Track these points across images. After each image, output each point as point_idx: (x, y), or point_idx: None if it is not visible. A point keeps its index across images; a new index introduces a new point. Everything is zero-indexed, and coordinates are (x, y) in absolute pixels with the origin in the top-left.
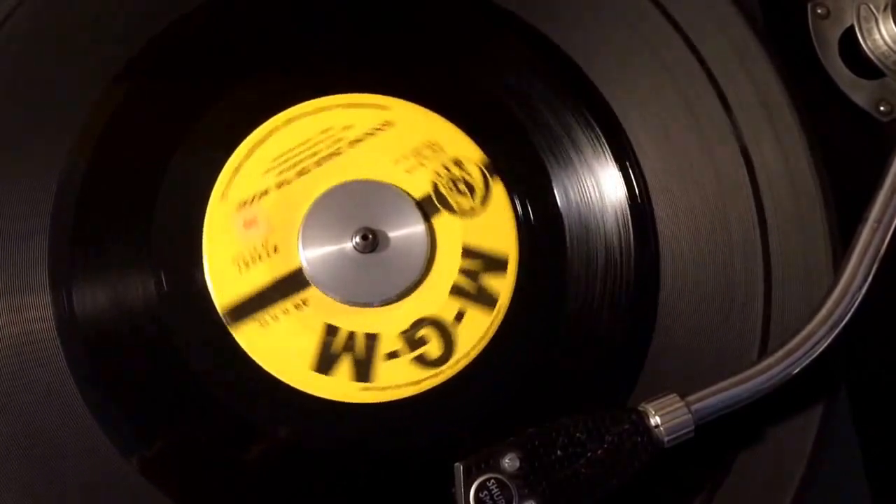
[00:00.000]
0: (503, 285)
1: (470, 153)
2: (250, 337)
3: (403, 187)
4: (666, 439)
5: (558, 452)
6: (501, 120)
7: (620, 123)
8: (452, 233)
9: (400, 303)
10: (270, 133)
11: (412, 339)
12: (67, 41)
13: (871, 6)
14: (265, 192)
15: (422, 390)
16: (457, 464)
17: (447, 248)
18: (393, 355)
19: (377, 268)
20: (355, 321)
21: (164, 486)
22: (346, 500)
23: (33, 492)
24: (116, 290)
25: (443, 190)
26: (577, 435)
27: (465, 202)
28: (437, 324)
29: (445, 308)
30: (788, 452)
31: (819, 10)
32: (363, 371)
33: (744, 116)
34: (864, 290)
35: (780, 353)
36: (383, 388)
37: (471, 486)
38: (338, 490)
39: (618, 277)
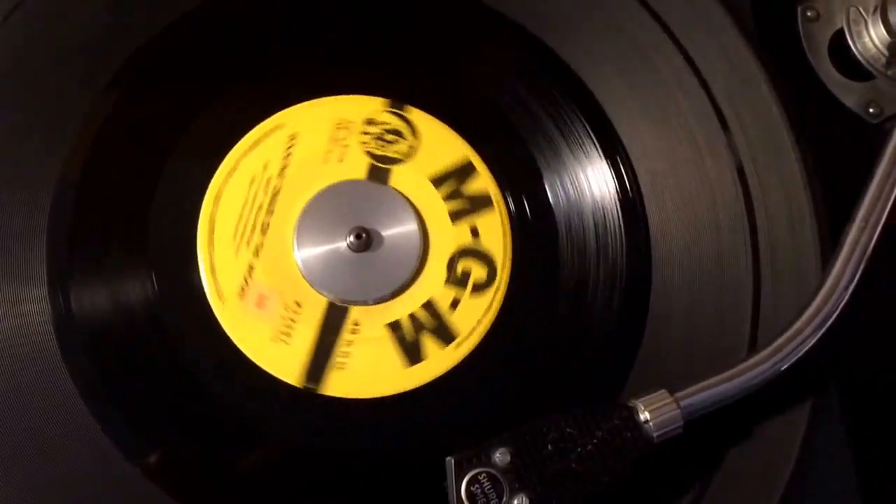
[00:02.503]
0: (485, 183)
1: (372, 105)
2: (340, 385)
3: (347, 176)
4: (655, 435)
5: (549, 448)
6: (492, 118)
7: (611, 121)
8: (414, 177)
9: (394, 300)
10: (212, 219)
11: (457, 278)
12: (62, 46)
13: (861, 9)
14: (251, 268)
15: (496, 312)
16: (448, 458)
17: (419, 191)
18: (455, 303)
19: (371, 266)
20: (406, 305)
21: (163, 484)
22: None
23: (32, 491)
24: (114, 289)
25: (377, 152)
26: (568, 430)
27: (401, 147)
28: (465, 252)
29: (459, 235)
30: (777, 450)
31: (809, 13)
32: (444, 334)
33: (733, 116)
34: (851, 289)
35: (768, 350)
36: (469, 334)
37: (462, 479)
38: (338, 489)
39: (609, 275)
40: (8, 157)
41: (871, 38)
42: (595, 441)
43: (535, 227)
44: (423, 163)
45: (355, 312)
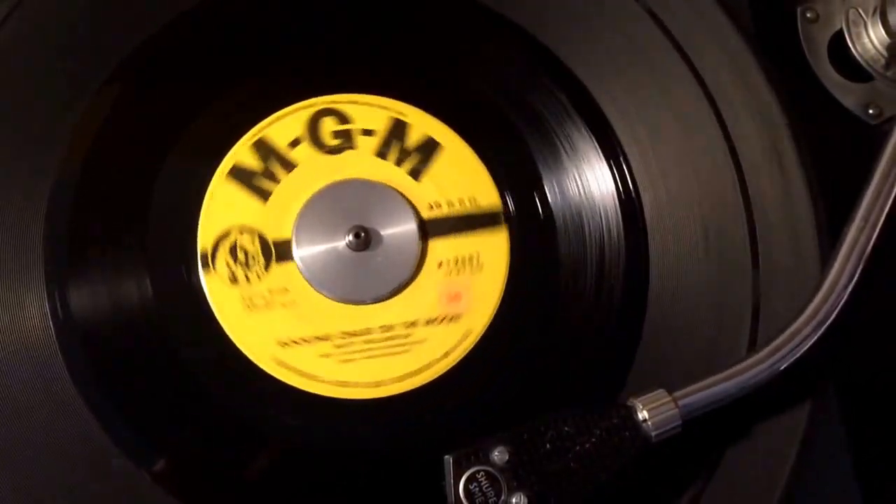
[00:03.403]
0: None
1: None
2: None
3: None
4: (653, 434)
5: (547, 446)
6: (492, 118)
7: (609, 121)
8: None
9: (392, 300)
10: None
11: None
12: (61, 46)
13: (860, 10)
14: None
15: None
16: (446, 456)
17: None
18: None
19: (370, 266)
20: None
21: (163, 483)
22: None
23: (31, 492)
24: (113, 290)
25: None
26: (566, 429)
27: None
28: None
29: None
30: (777, 449)
31: (808, 14)
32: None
33: (733, 117)
34: (850, 289)
35: (767, 350)
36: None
37: (460, 478)
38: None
39: (608, 274)
40: (6, 156)
41: (870, 39)
42: (593, 440)
43: (534, 228)
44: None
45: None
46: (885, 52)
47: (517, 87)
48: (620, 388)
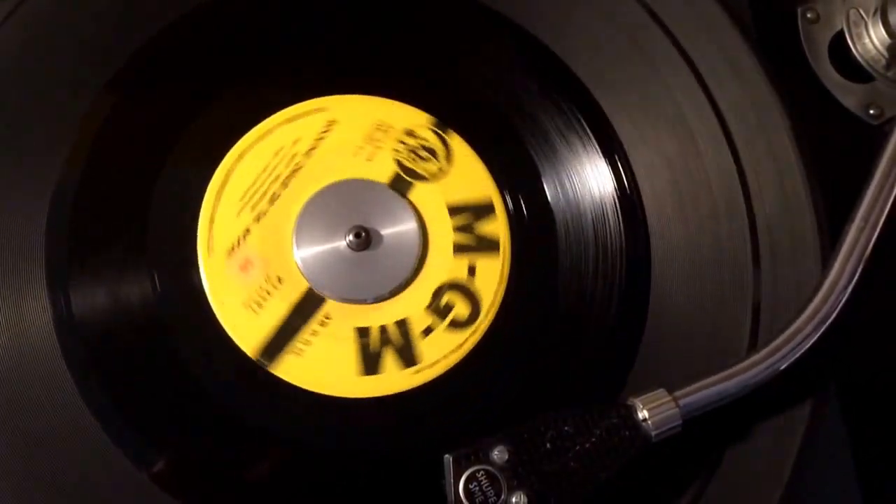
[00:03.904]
0: (498, 227)
1: (418, 119)
2: (291, 369)
3: (370, 176)
4: (653, 433)
5: (547, 445)
6: (492, 118)
7: (610, 121)
8: (433, 199)
9: (394, 299)
10: (228, 174)
11: (439, 308)
12: (61, 47)
13: (861, 10)
14: (247, 231)
15: (466, 352)
16: (446, 455)
17: (434, 214)
18: (428, 331)
19: (371, 265)
20: (380, 316)
21: (164, 483)
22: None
23: (32, 491)
24: (114, 290)
25: (407, 163)
26: (566, 428)
27: (431, 166)
28: (455, 286)
29: (455, 268)
30: (777, 449)
31: (809, 15)
32: (408, 356)
33: (733, 117)
34: (850, 289)
35: (767, 349)
36: (433, 364)
37: (460, 477)
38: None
39: (608, 274)
40: (7, 157)
41: (871, 39)
42: (593, 439)
43: (534, 227)
44: (446, 188)
45: (329, 306)
46: (885, 53)
47: (517, 87)
48: (620, 387)
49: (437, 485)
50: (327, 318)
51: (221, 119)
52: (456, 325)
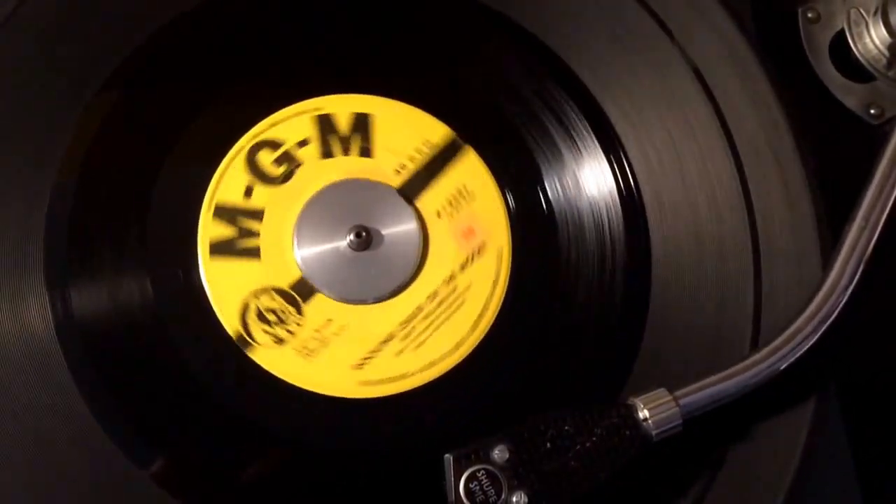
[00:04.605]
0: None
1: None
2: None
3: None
4: (654, 433)
5: (547, 445)
6: (492, 118)
7: (610, 120)
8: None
9: (394, 299)
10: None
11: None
12: (60, 46)
13: (862, 10)
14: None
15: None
16: (446, 455)
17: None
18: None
19: (371, 265)
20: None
21: (164, 483)
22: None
23: (32, 491)
24: (113, 290)
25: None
26: (566, 428)
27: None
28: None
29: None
30: (778, 450)
31: (810, 15)
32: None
33: (734, 116)
34: (851, 289)
35: (767, 349)
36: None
37: (460, 477)
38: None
39: (609, 274)
40: (6, 157)
41: (871, 39)
42: (594, 439)
43: (535, 227)
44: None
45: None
46: (886, 52)
47: (517, 86)
48: (621, 387)
49: (437, 484)
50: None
51: (221, 118)
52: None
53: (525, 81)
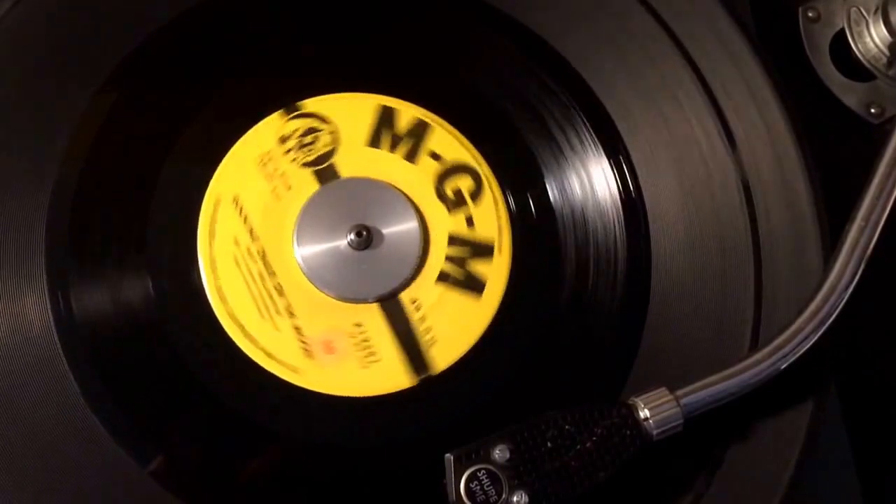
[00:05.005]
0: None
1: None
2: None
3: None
4: (654, 432)
5: (548, 444)
6: (492, 118)
7: (612, 120)
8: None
9: (395, 298)
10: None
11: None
12: (59, 46)
13: (862, 9)
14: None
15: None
16: (447, 454)
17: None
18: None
19: (372, 264)
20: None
21: (164, 482)
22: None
23: (32, 491)
24: (114, 290)
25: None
26: (567, 427)
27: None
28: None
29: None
30: (778, 448)
31: (810, 14)
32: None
33: (735, 117)
34: (851, 289)
35: (768, 348)
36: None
37: (461, 476)
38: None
39: (609, 273)
40: (6, 157)
41: (872, 38)
42: (594, 438)
43: (536, 227)
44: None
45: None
46: (886, 51)
47: (518, 86)
48: (621, 387)
49: (437, 484)
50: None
51: (222, 118)
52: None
53: (527, 81)
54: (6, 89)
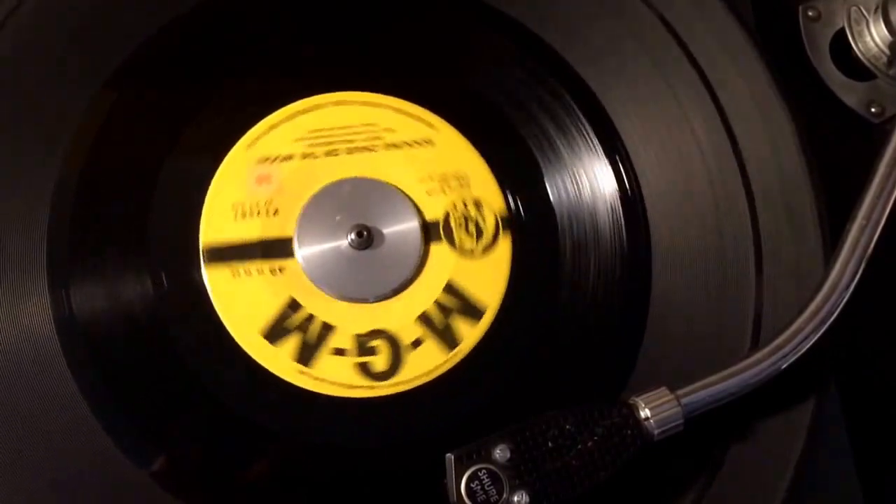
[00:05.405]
0: (471, 333)
1: (493, 199)
2: (219, 282)
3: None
4: (655, 432)
5: (549, 444)
6: (492, 118)
7: (612, 120)
8: (444, 265)
9: (395, 298)
10: (317, 107)
11: (364, 345)
12: (60, 46)
13: (862, 8)
14: (289, 157)
15: (352, 396)
16: (448, 454)
17: (433, 276)
18: (340, 352)
19: (372, 264)
20: (320, 306)
21: (164, 482)
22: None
23: (32, 491)
24: (115, 290)
25: (452, 223)
26: (568, 427)
27: (468, 242)
28: (392, 341)
29: (407, 330)
30: (779, 448)
31: (810, 13)
32: (306, 355)
33: (735, 116)
34: (852, 288)
35: (769, 348)
36: (317, 379)
37: (461, 476)
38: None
39: (609, 273)
40: (7, 157)
41: (872, 37)
42: (595, 438)
43: (536, 226)
44: (462, 269)
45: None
46: (887, 51)
47: (518, 86)
48: (622, 387)
49: (438, 484)
50: (280, 270)
51: (222, 117)
52: (364, 370)
53: (527, 81)
54: (7, 89)
